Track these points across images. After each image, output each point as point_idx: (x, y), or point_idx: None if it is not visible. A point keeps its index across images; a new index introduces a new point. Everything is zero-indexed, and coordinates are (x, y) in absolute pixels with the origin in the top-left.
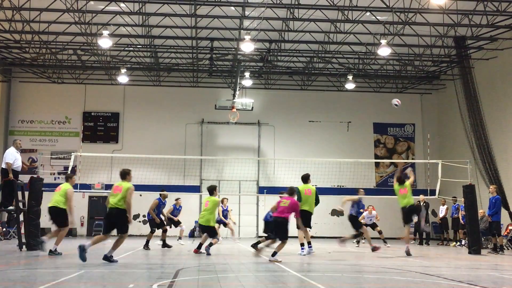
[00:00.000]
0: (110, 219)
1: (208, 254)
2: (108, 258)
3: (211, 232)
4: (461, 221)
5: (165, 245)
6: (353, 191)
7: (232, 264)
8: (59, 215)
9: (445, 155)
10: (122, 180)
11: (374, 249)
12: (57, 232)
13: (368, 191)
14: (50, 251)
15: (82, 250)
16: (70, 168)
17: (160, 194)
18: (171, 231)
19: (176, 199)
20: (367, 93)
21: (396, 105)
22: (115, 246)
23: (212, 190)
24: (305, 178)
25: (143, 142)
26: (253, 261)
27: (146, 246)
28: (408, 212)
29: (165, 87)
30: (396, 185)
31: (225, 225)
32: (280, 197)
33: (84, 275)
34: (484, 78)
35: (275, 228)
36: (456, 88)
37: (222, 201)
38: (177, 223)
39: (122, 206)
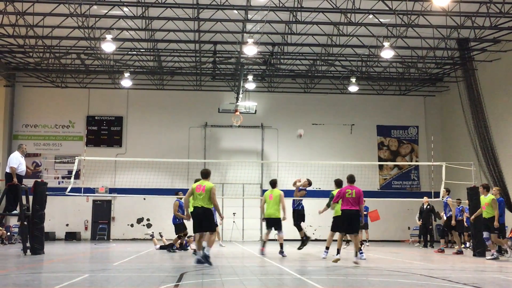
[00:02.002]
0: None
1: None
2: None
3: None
4: (465, 224)
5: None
6: None
7: (236, 267)
8: (209, 216)
9: (449, 157)
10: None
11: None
12: (209, 237)
13: (372, 194)
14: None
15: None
16: (74, 172)
17: (178, 193)
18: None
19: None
20: (370, 96)
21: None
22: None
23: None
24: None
25: (147, 145)
26: (258, 264)
27: (172, 249)
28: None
29: (168, 91)
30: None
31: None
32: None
33: (88, 279)
34: (487, 80)
35: (348, 222)
36: (460, 90)
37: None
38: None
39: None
